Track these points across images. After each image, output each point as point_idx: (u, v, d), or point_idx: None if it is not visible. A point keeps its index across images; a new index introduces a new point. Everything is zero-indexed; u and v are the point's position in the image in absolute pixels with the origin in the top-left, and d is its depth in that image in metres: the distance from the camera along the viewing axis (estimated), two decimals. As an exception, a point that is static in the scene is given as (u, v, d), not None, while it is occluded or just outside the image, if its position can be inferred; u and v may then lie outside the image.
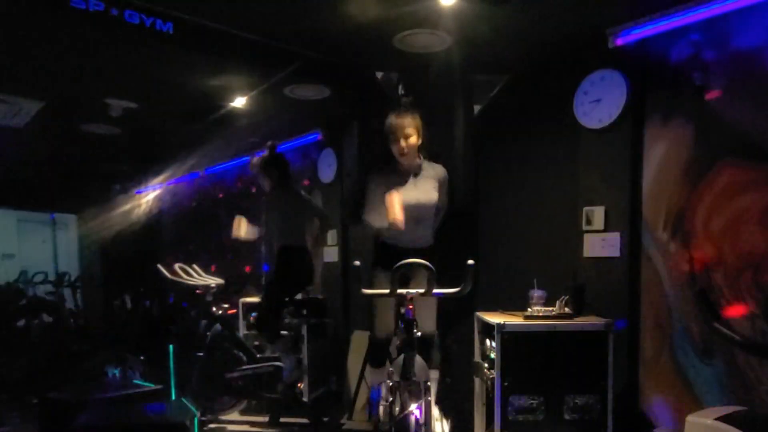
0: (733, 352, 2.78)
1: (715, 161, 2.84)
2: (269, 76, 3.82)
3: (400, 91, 3.87)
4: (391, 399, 2.58)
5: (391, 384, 2.61)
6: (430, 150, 3.27)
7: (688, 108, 2.96)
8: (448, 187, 3.29)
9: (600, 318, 3.08)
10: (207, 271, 4.72)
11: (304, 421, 4.16)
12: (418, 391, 2.50)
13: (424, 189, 3.16)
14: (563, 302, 3.12)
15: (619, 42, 3.13)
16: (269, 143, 4.31)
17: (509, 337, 2.93)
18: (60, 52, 3.51)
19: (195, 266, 4.59)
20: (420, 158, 3.20)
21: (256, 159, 4.33)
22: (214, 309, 4.45)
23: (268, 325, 4.22)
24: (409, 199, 3.03)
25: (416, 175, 3.17)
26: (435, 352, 3.21)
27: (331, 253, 5.04)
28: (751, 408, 2.62)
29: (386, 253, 3.09)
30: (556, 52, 3.45)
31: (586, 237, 3.32)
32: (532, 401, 2.95)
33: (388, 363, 2.97)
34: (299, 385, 4.34)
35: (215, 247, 6.62)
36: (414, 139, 3.07)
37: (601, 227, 3.26)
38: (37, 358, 5.81)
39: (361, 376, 4.13)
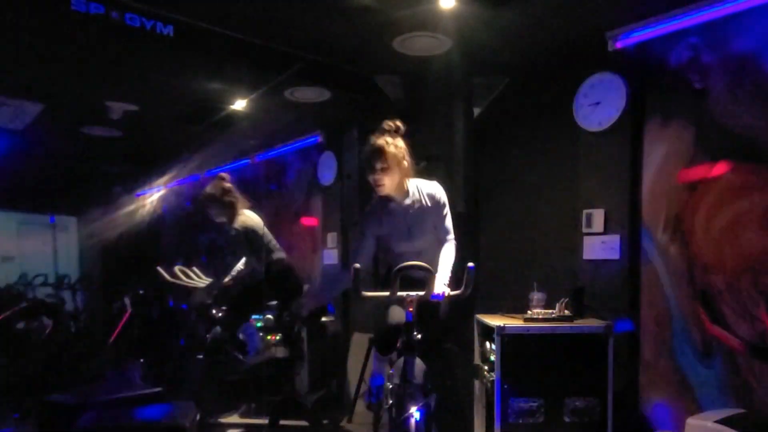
0: (732, 355, 2.78)
1: (715, 163, 2.85)
2: (269, 79, 3.83)
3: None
4: (391, 402, 2.58)
5: (390, 386, 2.61)
6: (430, 153, 3.26)
7: (687, 110, 2.96)
8: (449, 198, 2.94)
9: (600, 320, 3.08)
10: (206, 273, 4.72)
11: (304, 423, 4.16)
12: (418, 394, 2.50)
13: (417, 219, 2.87)
14: (563, 304, 3.12)
15: (619, 45, 3.14)
16: (220, 175, 4.18)
17: (509, 340, 2.92)
18: (60, 54, 3.52)
19: (195, 269, 4.59)
20: (406, 185, 2.85)
21: (204, 193, 4.15)
22: (214, 311, 4.45)
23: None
24: (402, 233, 2.87)
25: (407, 204, 2.86)
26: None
27: (330, 256, 5.04)
28: (751, 411, 2.62)
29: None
30: (555, 55, 3.46)
31: (586, 239, 3.33)
32: (532, 404, 2.94)
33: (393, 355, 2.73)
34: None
35: (214, 249, 6.62)
36: (393, 172, 2.75)
37: (601, 229, 3.26)
38: (36, 361, 5.80)
39: (361, 378, 4.13)
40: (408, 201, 2.88)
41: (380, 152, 2.73)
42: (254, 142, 5.55)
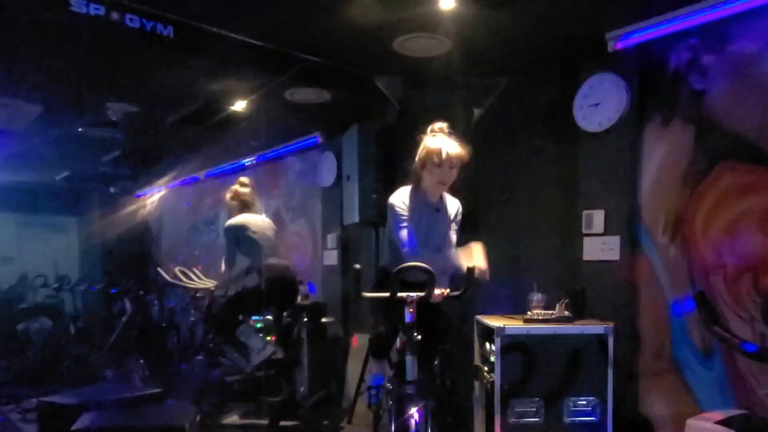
0: (732, 356, 2.78)
1: (714, 164, 2.85)
2: (269, 80, 3.83)
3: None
4: (391, 402, 2.58)
5: (390, 387, 2.61)
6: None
7: (687, 111, 2.96)
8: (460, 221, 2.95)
9: (599, 321, 3.08)
10: (206, 274, 4.72)
11: (304, 424, 4.16)
12: (418, 394, 2.50)
13: (437, 222, 2.86)
14: (563, 305, 3.12)
15: (619, 46, 3.14)
16: (239, 179, 4.26)
17: (509, 341, 2.93)
18: (60, 55, 3.51)
19: (195, 269, 4.60)
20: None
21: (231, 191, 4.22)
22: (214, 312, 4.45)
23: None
24: (421, 231, 2.79)
25: (438, 209, 2.84)
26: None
27: (330, 257, 5.04)
28: (751, 411, 2.62)
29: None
30: (555, 56, 3.46)
31: (586, 240, 3.33)
32: (532, 405, 2.94)
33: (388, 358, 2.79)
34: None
35: (213, 250, 6.62)
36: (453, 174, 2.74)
37: (601, 230, 3.26)
38: (36, 362, 5.81)
39: (361, 380, 4.13)
40: (441, 204, 2.85)
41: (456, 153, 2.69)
42: (254, 143, 5.55)
